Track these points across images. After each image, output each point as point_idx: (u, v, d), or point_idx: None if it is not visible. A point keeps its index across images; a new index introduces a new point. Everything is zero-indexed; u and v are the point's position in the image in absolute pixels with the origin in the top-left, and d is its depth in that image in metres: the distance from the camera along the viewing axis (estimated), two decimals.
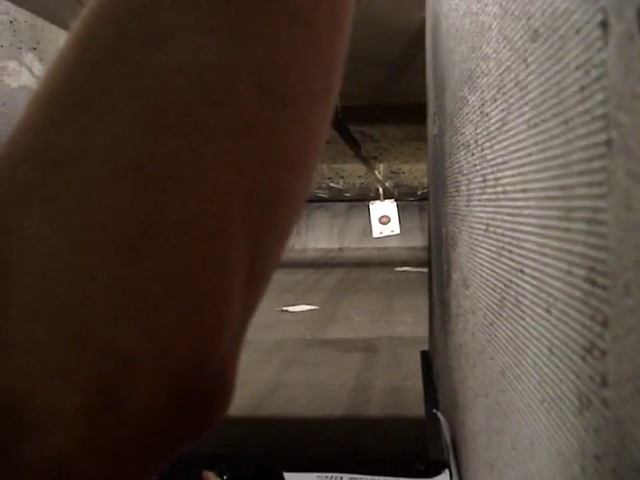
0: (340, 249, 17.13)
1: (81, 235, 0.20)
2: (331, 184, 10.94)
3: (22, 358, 0.19)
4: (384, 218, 9.14)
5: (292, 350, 5.73)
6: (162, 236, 0.21)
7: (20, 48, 1.83)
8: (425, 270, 2.40)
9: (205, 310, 0.22)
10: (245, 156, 0.22)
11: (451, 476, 1.20)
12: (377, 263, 13.23)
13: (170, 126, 0.21)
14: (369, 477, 1.33)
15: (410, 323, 6.49)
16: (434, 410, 1.45)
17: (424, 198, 8.75)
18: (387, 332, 6.36)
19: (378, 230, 9.05)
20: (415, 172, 10.49)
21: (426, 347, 2.31)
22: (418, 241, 14.43)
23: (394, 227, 9.13)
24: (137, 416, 0.21)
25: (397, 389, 4.41)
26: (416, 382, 2.97)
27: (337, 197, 16.08)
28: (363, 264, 13.28)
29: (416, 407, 2.62)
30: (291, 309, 7.89)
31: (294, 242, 17.08)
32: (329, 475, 1.36)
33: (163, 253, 0.21)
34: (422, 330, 2.69)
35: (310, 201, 16.48)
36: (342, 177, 11.22)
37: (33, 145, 0.21)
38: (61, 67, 0.22)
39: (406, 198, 14.90)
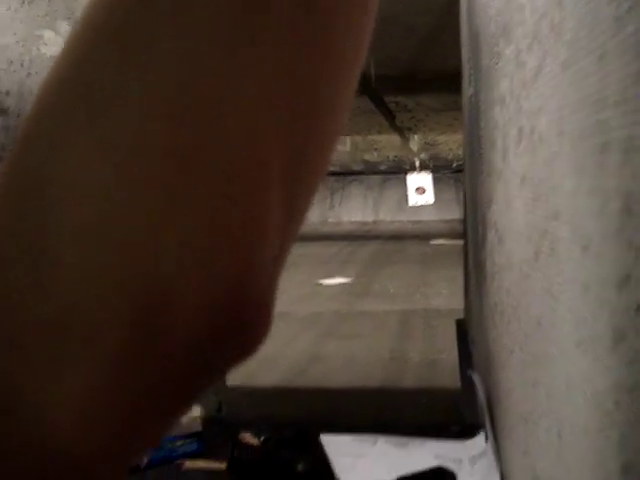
0: (375, 222, 17.05)
1: (122, 161, 0.20)
2: (365, 157, 10.89)
3: (62, 281, 0.20)
4: (420, 189, 9.24)
5: (328, 323, 5.75)
6: (200, 166, 0.21)
7: (55, 18, 1.84)
8: (461, 242, 2.38)
9: (242, 241, 0.22)
10: (282, 84, 0.23)
11: (486, 437, 1.20)
12: (412, 236, 13.15)
13: (206, 56, 0.21)
14: (405, 438, 1.34)
15: (445, 295, 6.47)
16: (469, 372, 1.45)
17: (459, 170, 8.77)
18: (422, 304, 6.35)
19: (414, 200, 9.25)
20: (451, 144, 10.38)
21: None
22: (454, 213, 14.28)
23: (429, 197, 9.29)
24: (175, 348, 0.21)
25: (432, 362, 4.40)
26: (451, 355, 2.96)
27: (372, 170, 15.99)
28: (398, 237, 13.21)
29: (451, 379, 2.61)
30: (326, 282, 7.92)
31: (328, 215, 17.06)
32: (364, 437, 1.37)
33: (201, 183, 0.21)
34: (458, 302, 2.68)
35: (344, 174, 16.42)
36: (376, 149, 11.15)
37: (73, 75, 0.22)
38: (93, 15, 0.22)
39: (442, 170, 14.77)
